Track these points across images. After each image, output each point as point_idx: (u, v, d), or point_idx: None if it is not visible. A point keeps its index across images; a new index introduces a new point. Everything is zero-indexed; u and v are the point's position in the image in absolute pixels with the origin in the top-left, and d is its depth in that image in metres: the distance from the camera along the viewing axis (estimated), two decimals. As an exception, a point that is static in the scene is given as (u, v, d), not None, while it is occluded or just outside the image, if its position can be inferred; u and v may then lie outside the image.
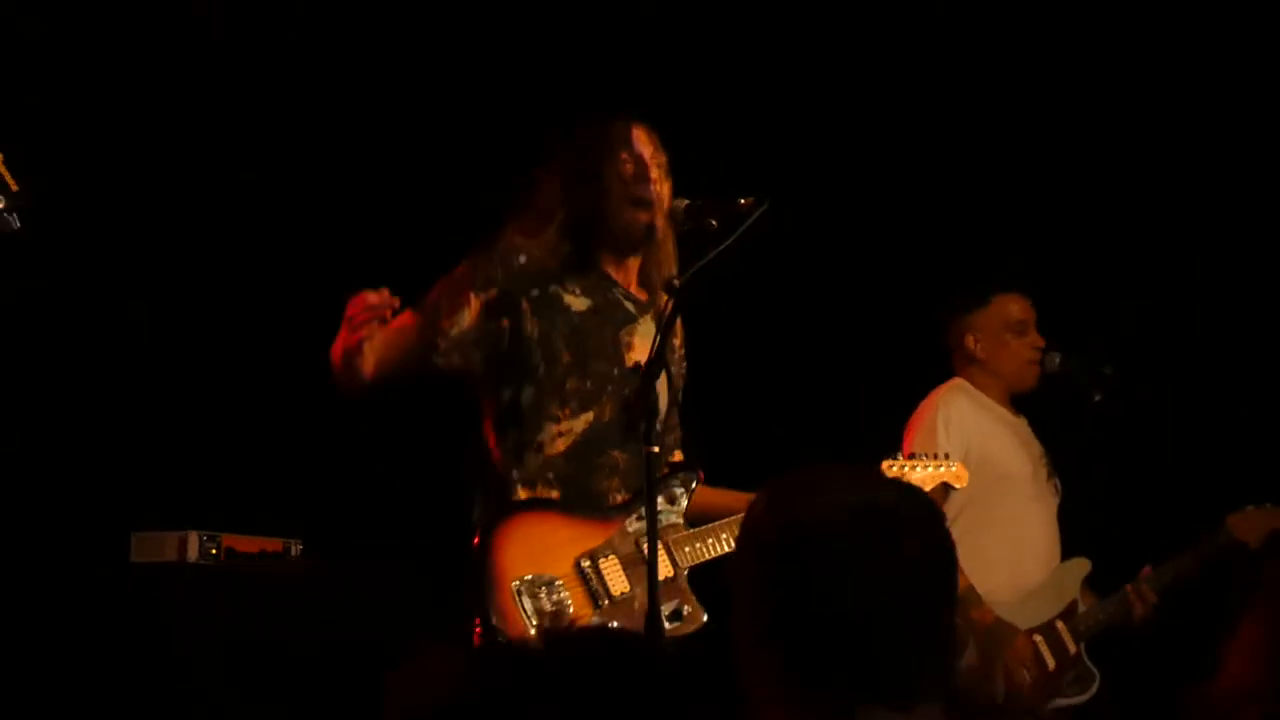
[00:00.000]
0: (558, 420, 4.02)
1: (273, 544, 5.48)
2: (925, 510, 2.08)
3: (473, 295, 4.02)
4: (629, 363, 4.11)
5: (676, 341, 4.26)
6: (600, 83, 5.60)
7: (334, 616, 5.35)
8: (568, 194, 4.09)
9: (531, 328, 4.03)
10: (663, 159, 4.13)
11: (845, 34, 6.16)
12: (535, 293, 4.04)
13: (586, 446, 4.03)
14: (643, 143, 4.11)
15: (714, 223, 3.83)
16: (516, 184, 4.13)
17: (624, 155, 4.07)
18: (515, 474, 4.02)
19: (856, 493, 2.04)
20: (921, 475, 4.42)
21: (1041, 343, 5.47)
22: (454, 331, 3.99)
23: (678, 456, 4.27)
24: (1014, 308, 5.49)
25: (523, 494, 4.01)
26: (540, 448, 4.02)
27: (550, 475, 4.00)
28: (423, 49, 6.06)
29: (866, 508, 2.02)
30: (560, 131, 4.18)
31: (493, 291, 4.02)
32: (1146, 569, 5.33)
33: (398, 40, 6.04)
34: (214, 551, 5.32)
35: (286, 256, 5.90)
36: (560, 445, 4.01)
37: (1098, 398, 5.41)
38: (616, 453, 4.04)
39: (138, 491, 5.58)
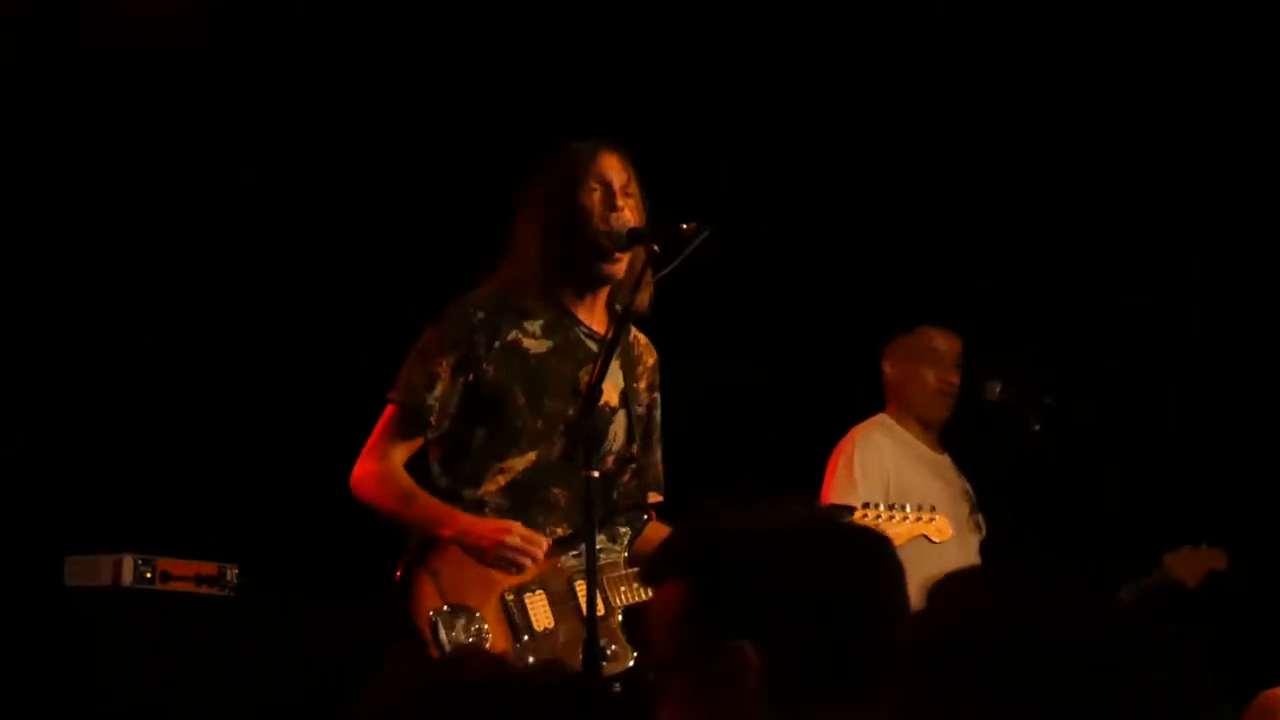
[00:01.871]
0: (501, 460, 4.00)
1: (208, 568, 5.44)
2: (869, 531, 2.11)
3: (443, 361, 4.00)
4: None
5: (641, 385, 4.20)
6: (584, 91, 5.63)
7: (272, 643, 5.33)
8: (535, 225, 4.04)
9: (491, 376, 3.99)
10: (634, 188, 4.05)
11: (822, 46, 6.19)
12: (496, 344, 3.99)
13: (525, 484, 3.99)
14: (613, 170, 4.03)
15: (656, 248, 3.81)
16: (497, 214, 4.12)
17: (592, 184, 4.00)
18: (456, 504, 3.99)
19: (787, 513, 2.04)
20: (899, 528, 4.35)
21: (954, 379, 5.45)
22: (437, 405, 3.99)
23: (655, 498, 4.21)
24: (936, 340, 5.50)
25: None
26: (479, 484, 3.99)
27: (485, 511, 3.96)
28: (415, 55, 6.06)
29: (809, 520, 2.03)
30: (534, 158, 4.14)
31: (455, 355, 3.99)
32: None
33: (391, 46, 6.04)
34: (149, 575, 5.28)
35: (219, 271, 5.89)
36: (500, 481, 3.99)
37: (1037, 427, 5.42)
38: (558, 490, 3.99)
39: (72, 513, 5.55)
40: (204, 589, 5.41)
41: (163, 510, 5.65)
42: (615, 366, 4.03)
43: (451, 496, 3.99)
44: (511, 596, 3.89)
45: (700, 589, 1.97)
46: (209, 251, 5.91)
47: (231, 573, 5.48)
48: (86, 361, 5.82)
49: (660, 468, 4.22)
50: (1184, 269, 6.12)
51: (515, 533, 3.82)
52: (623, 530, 4.06)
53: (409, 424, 4.01)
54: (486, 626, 3.86)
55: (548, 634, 3.89)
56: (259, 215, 5.93)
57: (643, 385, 4.19)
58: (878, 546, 2.06)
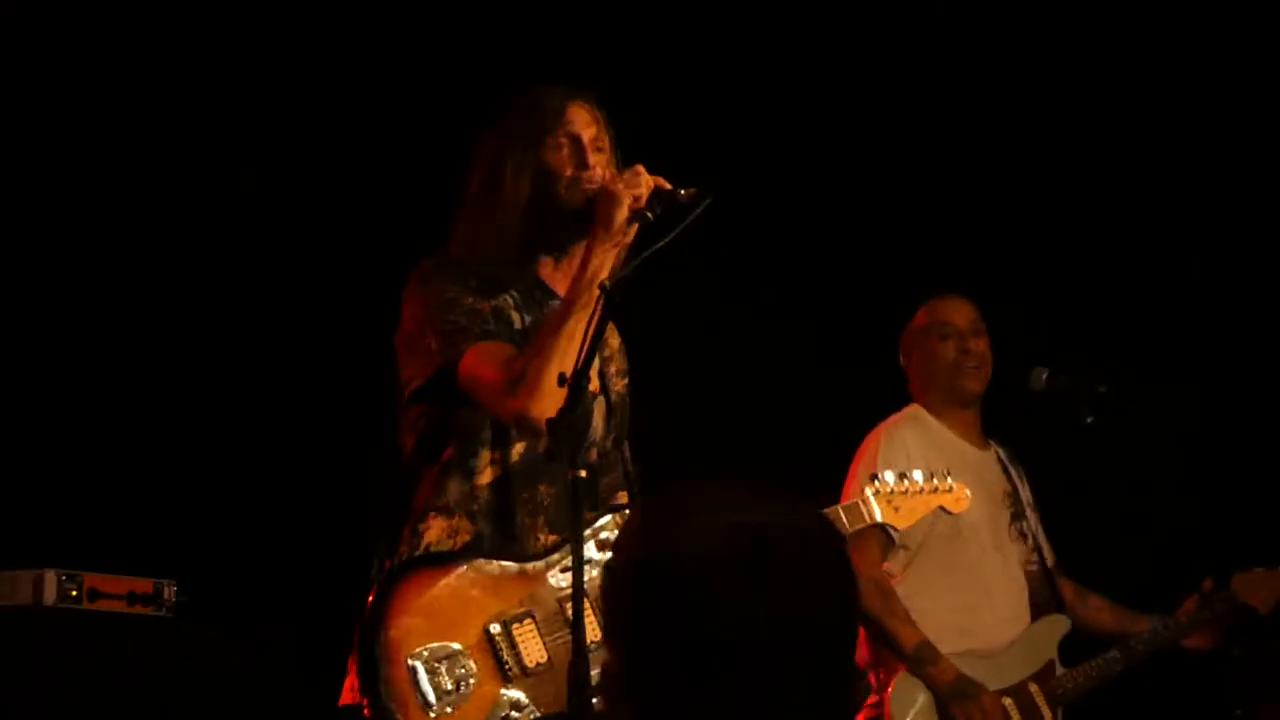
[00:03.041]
0: (490, 447, 3.66)
1: (142, 584, 5.20)
2: (804, 532, 2.00)
3: (465, 293, 3.65)
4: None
5: (612, 369, 3.89)
6: (560, 51, 5.46)
7: (214, 671, 5.15)
8: (498, 183, 3.71)
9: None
10: (605, 140, 3.74)
11: (827, 31, 6.03)
12: (487, 309, 3.68)
13: (514, 480, 3.66)
14: (582, 123, 3.72)
15: (650, 215, 3.50)
16: (458, 166, 3.81)
17: (559, 138, 3.69)
18: (436, 501, 3.64)
19: (723, 514, 1.98)
20: (913, 501, 4.03)
21: (974, 346, 5.08)
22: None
23: (622, 498, 3.86)
24: (941, 311, 5.15)
25: (435, 527, 3.62)
26: (470, 474, 3.64)
27: (474, 507, 3.63)
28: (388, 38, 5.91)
29: (732, 531, 1.96)
30: (498, 104, 3.83)
31: (473, 282, 3.67)
32: (1143, 624, 5.07)
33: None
34: (74, 593, 5.06)
35: (157, 268, 5.75)
36: (490, 474, 3.65)
37: (1090, 419, 5.04)
38: (543, 487, 3.66)
39: None
40: (137, 608, 5.19)
41: (90, 520, 5.49)
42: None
43: (438, 487, 3.63)
44: (498, 629, 3.50)
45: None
46: (146, 252, 5.77)
47: (169, 590, 5.24)
48: (7, 360, 5.63)
49: (629, 464, 3.90)
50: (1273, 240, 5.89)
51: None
52: (611, 537, 3.66)
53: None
54: (473, 666, 3.46)
55: (540, 669, 3.50)
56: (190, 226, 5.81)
57: (613, 369, 3.89)
58: (811, 569, 1.97)
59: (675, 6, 5.88)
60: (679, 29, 5.85)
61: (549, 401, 3.37)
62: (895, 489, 4.01)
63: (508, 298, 3.69)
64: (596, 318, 3.45)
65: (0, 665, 4.93)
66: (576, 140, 3.68)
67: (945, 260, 5.79)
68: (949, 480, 4.11)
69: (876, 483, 3.98)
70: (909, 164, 6.04)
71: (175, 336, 5.73)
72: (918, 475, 4.05)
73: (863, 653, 4.92)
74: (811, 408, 5.82)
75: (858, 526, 3.89)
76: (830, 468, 5.03)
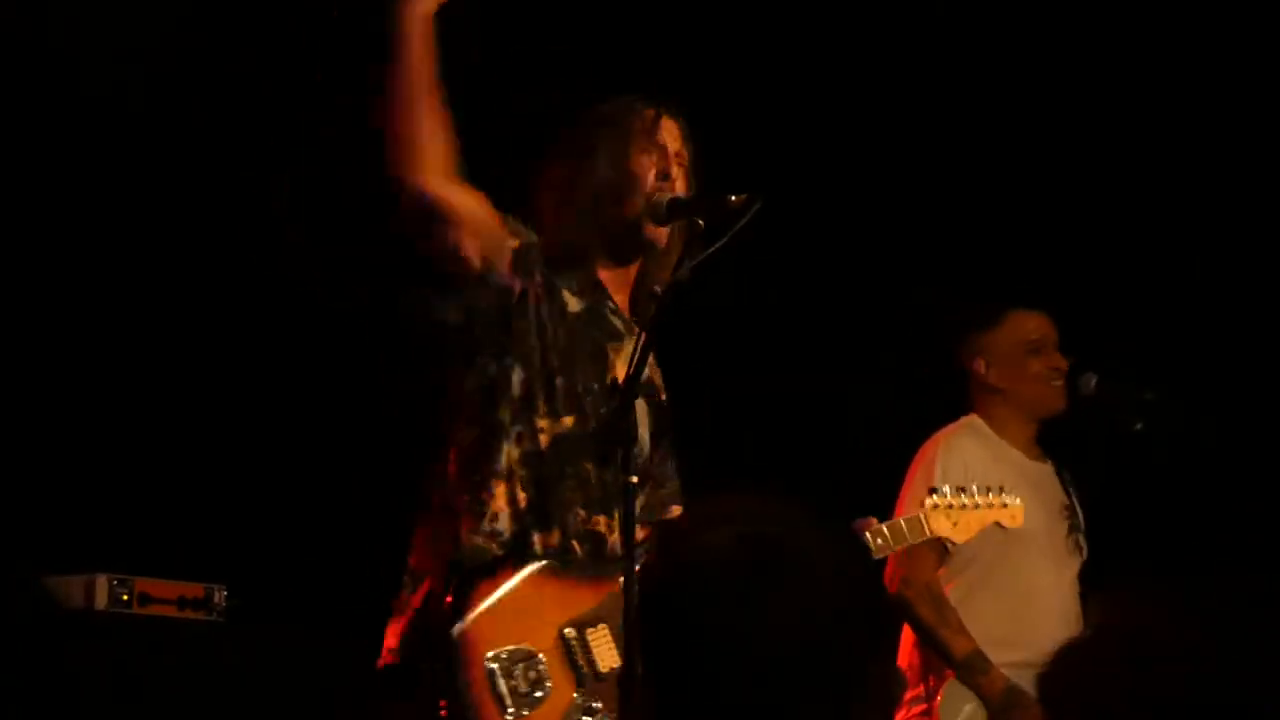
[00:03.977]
0: (542, 415, 3.65)
1: (193, 589, 5.19)
2: (820, 544, 2.02)
3: (507, 234, 3.67)
4: (608, 379, 3.75)
5: (657, 379, 3.91)
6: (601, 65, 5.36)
7: (264, 675, 5.11)
8: (578, 181, 3.75)
9: (537, 303, 3.68)
10: (685, 156, 3.78)
11: (850, 30, 5.99)
12: (546, 273, 3.71)
13: (564, 451, 3.65)
14: (671, 136, 3.78)
15: (701, 223, 3.54)
16: (527, 162, 3.84)
17: (648, 148, 3.73)
18: (486, 468, 3.61)
19: (733, 527, 2.01)
20: (968, 516, 4.12)
21: (1063, 363, 5.06)
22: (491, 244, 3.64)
23: (676, 511, 3.87)
24: (1030, 324, 5.10)
25: (499, 494, 3.59)
26: (521, 439, 3.63)
27: (525, 473, 3.60)
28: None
29: (739, 542, 1.98)
30: (580, 109, 3.88)
31: (517, 242, 3.68)
32: None
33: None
34: (125, 598, 5.05)
35: (197, 275, 5.67)
36: (542, 441, 3.63)
37: (1139, 426, 4.97)
38: (589, 465, 3.65)
39: (39, 530, 5.24)
40: (188, 613, 5.18)
41: (141, 525, 5.43)
42: (628, 351, 3.71)
43: (479, 458, 3.61)
44: (573, 633, 3.53)
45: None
46: (185, 256, 5.68)
47: (219, 594, 5.24)
48: (56, 367, 5.56)
49: (677, 479, 3.92)
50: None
51: None
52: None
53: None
54: (546, 669, 3.48)
55: (614, 675, 3.53)
56: (236, 219, 5.71)
57: (654, 374, 3.91)
58: (814, 587, 1.99)
59: (689, 11, 5.84)
60: (697, 33, 5.83)
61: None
62: (954, 503, 4.09)
63: (568, 282, 3.71)
64: (652, 323, 3.50)
65: (52, 671, 4.98)
66: (664, 151, 3.71)
67: (962, 264, 5.80)
68: (1005, 496, 4.18)
69: (935, 496, 4.06)
70: (919, 165, 5.99)
71: (228, 338, 5.67)
72: (975, 490, 4.12)
73: (912, 658, 4.90)
74: (845, 414, 5.84)
75: (918, 540, 3.95)
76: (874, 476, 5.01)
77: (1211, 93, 5.84)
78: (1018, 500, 4.27)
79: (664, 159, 3.72)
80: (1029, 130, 5.94)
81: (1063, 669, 1.84)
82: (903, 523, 3.91)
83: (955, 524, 4.05)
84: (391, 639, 3.58)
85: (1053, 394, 5.03)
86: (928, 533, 3.99)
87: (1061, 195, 5.95)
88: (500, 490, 3.59)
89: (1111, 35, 5.86)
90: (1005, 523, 4.19)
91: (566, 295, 3.71)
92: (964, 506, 4.09)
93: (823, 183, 5.85)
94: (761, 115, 5.87)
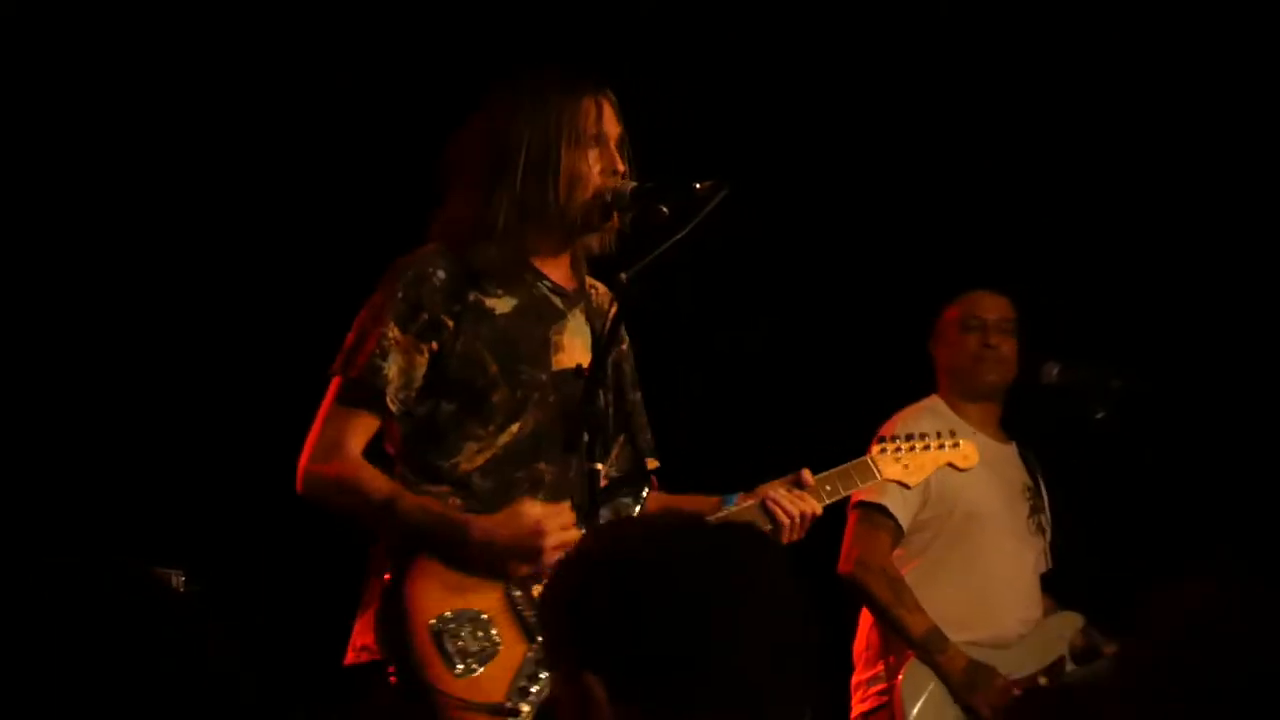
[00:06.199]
0: (479, 439, 3.62)
1: None
2: (757, 533, 2.10)
3: (398, 328, 3.58)
4: (556, 365, 3.68)
5: (627, 369, 3.89)
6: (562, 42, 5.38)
7: (220, 658, 4.76)
8: (510, 166, 3.62)
9: (456, 344, 3.61)
10: (625, 138, 3.69)
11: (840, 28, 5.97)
12: (458, 307, 3.61)
13: (506, 460, 3.63)
14: (610, 120, 3.66)
15: (665, 210, 3.51)
16: (445, 145, 3.72)
17: (587, 141, 3.62)
18: (436, 488, 3.62)
19: (676, 527, 2.05)
20: (921, 458, 4.04)
21: (1000, 341, 5.05)
22: (396, 379, 3.58)
23: (652, 464, 3.88)
24: (981, 304, 5.11)
25: (450, 502, 3.60)
26: (455, 466, 3.62)
27: (463, 492, 3.60)
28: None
29: (676, 527, 2.03)
30: (503, 84, 3.72)
31: (415, 321, 3.59)
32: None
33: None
34: None
35: (163, 265, 5.65)
36: (479, 460, 3.62)
37: (1101, 415, 4.97)
38: (542, 465, 3.64)
39: None
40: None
41: (94, 509, 5.37)
42: (582, 322, 3.71)
43: (417, 486, 3.60)
44: (519, 592, 3.53)
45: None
46: (149, 247, 5.65)
47: (177, 580, 4.77)
48: (11, 353, 5.51)
49: (648, 431, 3.90)
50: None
51: (553, 522, 3.48)
52: (627, 502, 3.69)
53: (363, 403, 3.58)
54: (496, 631, 3.48)
55: None
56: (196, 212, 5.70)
57: (627, 370, 3.89)
58: (745, 574, 1.99)
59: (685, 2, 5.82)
60: (691, 22, 5.78)
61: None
62: (903, 446, 4.01)
63: (487, 285, 3.61)
64: (613, 316, 3.49)
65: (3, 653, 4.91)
66: (607, 141, 3.63)
67: (966, 258, 5.75)
68: (956, 438, 4.10)
69: (884, 443, 3.98)
70: (921, 159, 5.98)
71: (184, 321, 5.65)
72: (924, 434, 4.05)
73: (870, 638, 4.89)
74: (830, 407, 5.75)
75: (866, 483, 3.89)
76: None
77: (1183, 85, 5.85)
78: (970, 441, 4.21)
79: (608, 150, 3.62)
80: (1029, 130, 5.95)
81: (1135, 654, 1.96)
82: (851, 468, 3.83)
83: (906, 466, 3.96)
84: (360, 635, 3.57)
85: (981, 370, 5.02)
86: (877, 475, 3.90)
87: (1054, 190, 5.96)
88: (452, 500, 3.59)
89: (1082, 30, 5.87)
90: (959, 463, 4.11)
91: (493, 302, 3.62)
92: (913, 449, 4.01)
93: (813, 172, 5.87)
94: (755, 109, 5.87)
